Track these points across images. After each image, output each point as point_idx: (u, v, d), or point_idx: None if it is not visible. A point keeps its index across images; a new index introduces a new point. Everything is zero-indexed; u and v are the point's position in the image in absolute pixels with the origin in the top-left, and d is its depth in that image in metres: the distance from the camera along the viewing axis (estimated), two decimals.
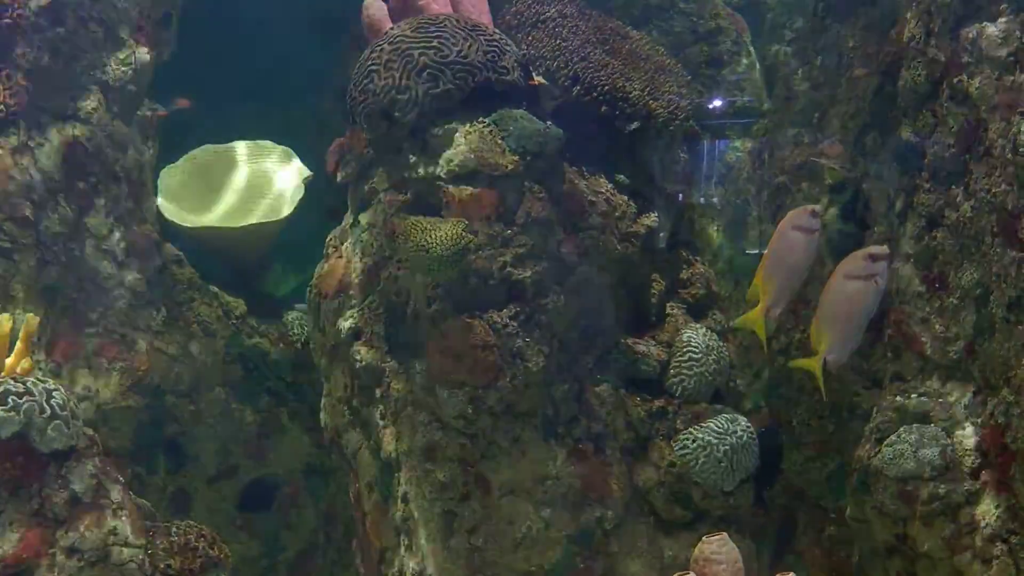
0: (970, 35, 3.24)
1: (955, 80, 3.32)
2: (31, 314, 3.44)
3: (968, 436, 3.31)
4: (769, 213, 4.84)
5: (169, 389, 4.58)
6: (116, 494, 3.40)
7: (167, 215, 4.79)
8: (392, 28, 3.77)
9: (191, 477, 4.76)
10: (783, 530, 4.33)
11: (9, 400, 3.17)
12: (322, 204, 4.73)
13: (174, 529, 3.55)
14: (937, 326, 3.41)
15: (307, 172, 5.05)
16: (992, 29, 3.15)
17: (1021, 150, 2.97)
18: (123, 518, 3.37)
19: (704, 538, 3.24)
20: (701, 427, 3.71)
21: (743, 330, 3.80)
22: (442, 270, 3.43)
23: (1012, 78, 3.09)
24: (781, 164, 4.67)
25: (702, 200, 5.09)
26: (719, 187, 5.30)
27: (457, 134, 3.59)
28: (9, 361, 3.31)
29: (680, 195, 4.16)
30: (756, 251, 5.07)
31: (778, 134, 4.76)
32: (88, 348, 4.27)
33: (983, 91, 3.20)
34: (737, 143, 5.37)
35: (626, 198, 3.85)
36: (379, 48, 3.65)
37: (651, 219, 3.89)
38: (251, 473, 4.91)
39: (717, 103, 5.53)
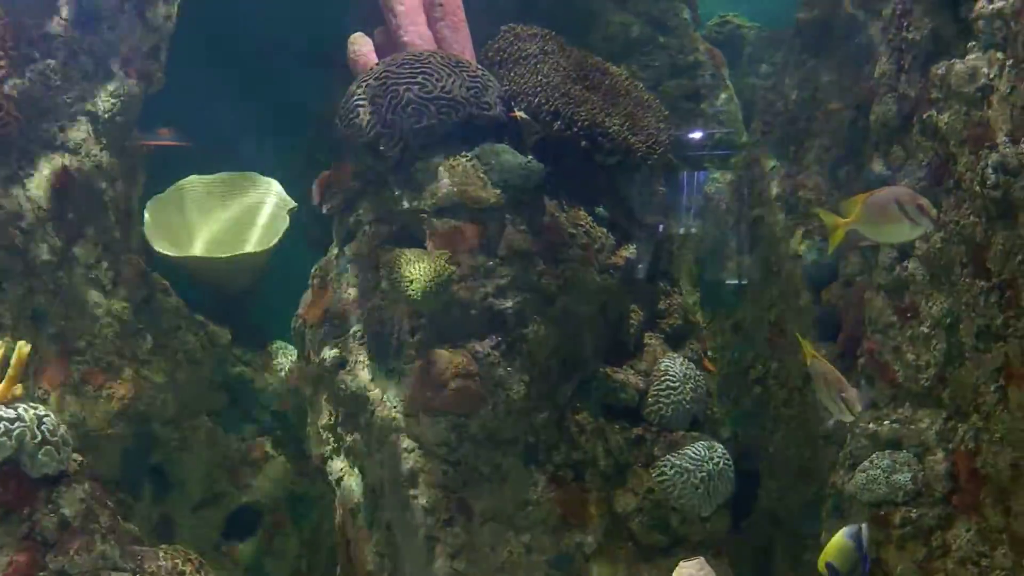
0: (939, 72, 3.32)
1: (925, 115, 3.40)
2: (22, 341, 3.48)
3: (939, 462, 3.37)
4: (747, 244, 4.91)
5: (155, 417, 4.61)
6: (106, 519, 3.44)
7: (154, 245, 4.84)
8: (378, 63, 3.85)
9: (176, 504, 4.78)
10: (760, 555, 4.37)
11: (0, 426, 3.22)
12: (307, 235, 4.78)
13: (162, 554, 3.59)
14: (909, 355, 3.47)
15: (292, 203, 5.09)
16: (960, 66, 3.22)
17: (988, 183, 3.03)
18: (112, 542, 3.42)
19: (682, 562, 3.30)
20: (679, 454, 3.76)
21: (822, 219, 3.50)
22: (425, 301, 3.48)
23: (980, 113, 3.16)
24: (759, 196, 4.74)
25: (681, 231, 5.12)
26: (698, 218, 5.35)
27: (441, 168, 3.66)
28: (0, 388, 3.36)
29: (660, 227, 4.21)
30: (735, 281, 5.13)
31: (756, 166, 4.83)
32: (75, 376, 4.29)
33: (952, 126, 3.27)
34: (716, 175, 5.43)
35: (605, 230, 3.91)
36: (365, 83, 3.72)
37: (629, 251, 3.95)
38: (236, 500, 4.93)
39: (696, 136, 5.59)
